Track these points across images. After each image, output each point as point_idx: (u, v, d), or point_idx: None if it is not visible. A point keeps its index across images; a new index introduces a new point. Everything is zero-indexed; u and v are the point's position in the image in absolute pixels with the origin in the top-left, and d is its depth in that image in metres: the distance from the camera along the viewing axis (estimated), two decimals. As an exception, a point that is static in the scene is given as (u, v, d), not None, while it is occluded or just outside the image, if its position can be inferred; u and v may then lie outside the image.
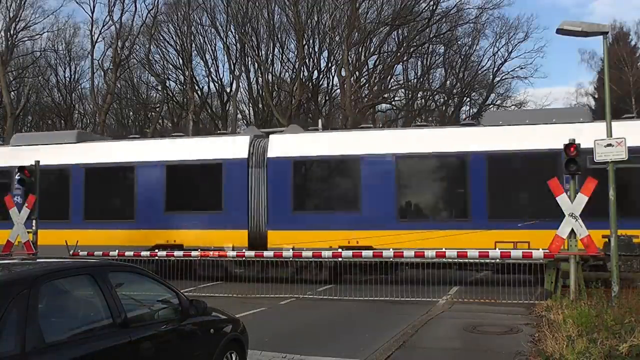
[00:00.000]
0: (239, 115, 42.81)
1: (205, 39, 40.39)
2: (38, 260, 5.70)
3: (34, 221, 14.66)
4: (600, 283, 10.52)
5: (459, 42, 40.59)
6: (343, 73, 34.74)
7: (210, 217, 16.62)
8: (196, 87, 40.97)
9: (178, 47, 40.26)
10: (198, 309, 5.58)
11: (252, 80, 40.32)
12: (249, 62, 39.88)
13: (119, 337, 4.55)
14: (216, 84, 41.88)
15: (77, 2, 46.23)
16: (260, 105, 40.46)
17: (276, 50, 39.38)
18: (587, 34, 10.95)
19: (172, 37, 40.36)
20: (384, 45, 38.61)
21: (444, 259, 13.22)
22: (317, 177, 16.91)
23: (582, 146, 11.17)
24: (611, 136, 10.64)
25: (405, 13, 35.55)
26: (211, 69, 41.11)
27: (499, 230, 14.09)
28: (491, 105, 43.12)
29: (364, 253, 13.63)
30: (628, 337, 7.05)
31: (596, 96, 45.88)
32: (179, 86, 42.68)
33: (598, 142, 10.59)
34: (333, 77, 39.85)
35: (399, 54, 38.39)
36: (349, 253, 13.68)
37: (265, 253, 14.39)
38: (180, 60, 40.64)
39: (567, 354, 6.78)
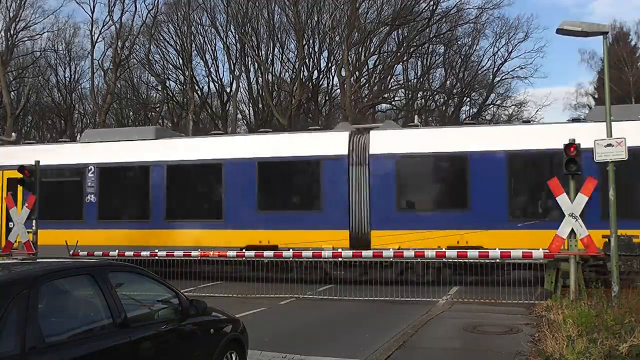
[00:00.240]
0: (239, 115, 42.88)
1: (205, 39, 40.50)
2: (38, 260, 5.70)
3: (34, 221, 14.63)
4: (600, 283, 10.53)
5: (459, 42, 40.68)
6: (343, 73, 34.75)
7: (308, 217, 15.85)
8: (196, 87, 41.00)
9: (178, 47, 40.31)
10: (198, 309, 5.57)
11: (252, 80, 40.40)
12: (249, 62, 39.92)
13: (119, 337, 4.54)
14: (216, 84, 41.96)
15: (77, 2, 46.38)
16: (260, 105, 40.48)
17: (276, 50, 39.47)
18: (587, 34, 10.95)
19: (172, 37, 40.45)
20: (384, 45, 38.68)
21: (444, 259, 13.22)
22: (422, 174, 15.83)
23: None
24: (611, 136, 10.64)
25: (405, 13, 35.57)
26: (211, 69, 41.20)
27: None
28: (491, 105, 43.18)
29: (364, 253, 13.60)
30: (628, 337, 7.06)
31: (596, 96, 45.88)
32: (179, 86, 42.75)
33: (598, 142, 10.59)
34: (333, 77, 39.97)
35: (399, 54, 38.41)
36: (349, 253, 13.66)
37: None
38: (180, 60, 40.69)
39: (567, 354, 6.78)
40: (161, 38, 40.50)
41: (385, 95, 40.29)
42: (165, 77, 41.77)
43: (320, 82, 40.16)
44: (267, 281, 14.05)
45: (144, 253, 14.72)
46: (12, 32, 38.70)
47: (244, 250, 14.89)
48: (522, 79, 43.04)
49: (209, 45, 40.64)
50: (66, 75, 44.44)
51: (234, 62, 39.82)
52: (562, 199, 11.21)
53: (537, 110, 46.67)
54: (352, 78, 35.46)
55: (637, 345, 6.82)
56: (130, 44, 39.48)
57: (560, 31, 10.84)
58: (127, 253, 14.60)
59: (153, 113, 44.27)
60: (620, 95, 36.97)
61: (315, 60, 39.12)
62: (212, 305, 6.14)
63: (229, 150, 16.90)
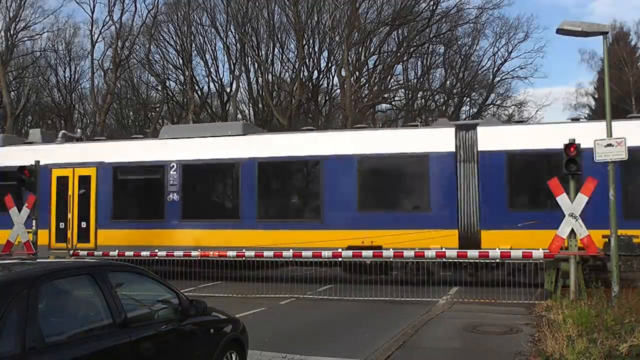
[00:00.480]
0: (239, 115, 42.85)
1: (205, 39, 40.45)
2: (38, 260, 5.70)
3: (34, 221, 14.64)
4: (600, 283, 10.53)
5: (459, 42, 40.67)
6: (343, 73, 34.74)
7: (413, 216, 15.37)
8: (196, 87, 40.99)
9: (178, 47, 40.27)
10: (198, 309, 5.57)
11: (252, 80, 40.37)
12: (249, 62, 39.90)
13: (119, 337, 4.55)
14: (216, 84, 41.95)
15: (77, 2, 46.20)
16: (260, 105, 40.47)
17: (276, 50, 39.44)
18: (587, 34, 10.96)
19: (172, 37, 40.40)
20: (384, 45, 38.67)
21: (444, 259, 13.18)
22: (535, 171, 15.02)
23: None
24: (611, 136, 10.65)
25: (405, 13, 35.56)
26: (211, 69, 41.18)
27: None
28: (491, 105, 43.17)
29: (364, 253, 13.59)
30: (628, 337, 7.06)
31: (596, 96, 45.91)
32: (179, 86, 42.74)
33: (598, 142, 10.59)
34: (333, 77, 39.94)
35: (399, 54, 38.41)
36: (349, 253, 13.64)
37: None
38: (180, 60, 40.66)
39: (567, 354, 6.78)
40: (161, 38, 40.50)
41: (385, 95, 40.28)
42: (165, 77, 41.77)
43: (320, 82, 40.19)
44: (267, 281, 14.05)
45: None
46: (12, 32, 38.73)
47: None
48: (522, 79, 43.13)
49: (209, 45, 40.70)
50: (66, 75, 44.54)
51: (234, 62, 39.84)
52: (562, 199, 11.21)
53: (537, 110, 46.83)
54: (352, 78, 35.47)
55: (637, 345, 6.82)
56: (130, 44, 39.49)
57: (560, 31, 10.85)
58: (127, 253, 14.44)
59: (153, 113, 44.28)
60: (620, 95, 37.01)
61: (315, 60, 39.14)
62: (212, 305, 6.14)
63: (328, 146, 16.20)
